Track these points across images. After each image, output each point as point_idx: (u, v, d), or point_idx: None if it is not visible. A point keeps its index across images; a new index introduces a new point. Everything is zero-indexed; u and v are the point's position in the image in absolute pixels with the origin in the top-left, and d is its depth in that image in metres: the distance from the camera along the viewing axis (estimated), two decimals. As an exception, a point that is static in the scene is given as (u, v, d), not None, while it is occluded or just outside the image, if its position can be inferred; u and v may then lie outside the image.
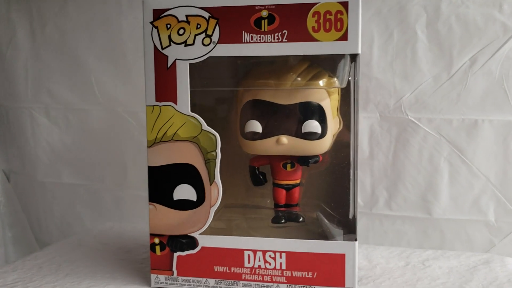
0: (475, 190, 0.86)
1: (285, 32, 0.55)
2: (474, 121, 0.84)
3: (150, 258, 0.61)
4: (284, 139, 0.59)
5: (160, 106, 0.58)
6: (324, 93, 0.59)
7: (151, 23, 0.57)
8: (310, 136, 0.59)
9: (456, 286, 0.60)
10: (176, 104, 0.58)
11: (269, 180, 0.65)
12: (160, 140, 0.59)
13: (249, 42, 0.55)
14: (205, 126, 0.58)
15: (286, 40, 0.55)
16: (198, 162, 0.58)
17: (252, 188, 0.65)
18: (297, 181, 0.63)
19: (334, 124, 0.60)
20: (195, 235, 0.59)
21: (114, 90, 1.01)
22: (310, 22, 0.54)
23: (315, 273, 0.57)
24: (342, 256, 0.57)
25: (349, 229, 0.59)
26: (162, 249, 0.61)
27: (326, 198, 0.65)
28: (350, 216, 0.62)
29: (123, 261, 0.69)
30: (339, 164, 0.63)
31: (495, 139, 0.84)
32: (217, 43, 0.56)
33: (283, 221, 0.63)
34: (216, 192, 0.58)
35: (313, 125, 0.59)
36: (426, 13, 0.83)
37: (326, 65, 0.60)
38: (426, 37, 0.84)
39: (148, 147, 0.59)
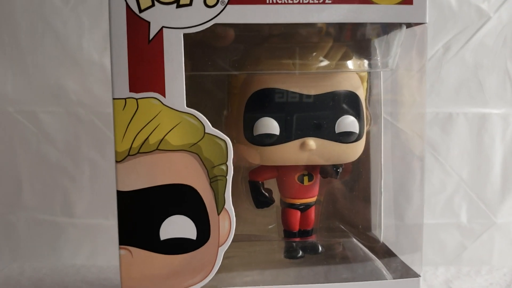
0: (447, 190, 0.75)
1: (328, -10, 0.37)
2: (449, 115, 0.73)
3: (122, 328, 0.39)
4: (312, 142, 0.41)
5: (137, 99, 0.36)
6: (357, 80, 0.43)
7: (121, -29, 0.35)
8: (346, 137, 0.42)
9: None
10: (164, 96, 0.37)
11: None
12: (138, 151, 0.37)
13: (277, 3, 0.36)
14: (209, 128, 0.37)
15: (330, 1, 0.37)
16: (199, 182, 0.38)
17: (244, 212, 0.46)
18: (314, 199, 0.46)
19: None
20: (195, 289, 0.39)
21: (2, 84, 0.74)
22: (364, -23, 0.37)
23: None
24: (403, 298, 0.40)
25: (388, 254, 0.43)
26: (143, 314, 0.39)
27: (348, 218, 0.48)
28: (381, 241, 0.46)
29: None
30: (364, 174, 0.47)
31: (469, 133, 0.74)
32: (227, 3, 0.36)
33: (300, 255, 0.44)
34: (227, 224, 0.38)
35: (349, 123, 0.41)
36: (399, -7, 0.70)
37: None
38: (398, 20, 0.70)
39: (118, 161, 0.37)
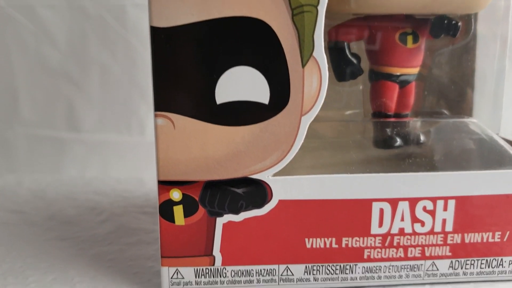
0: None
1: None
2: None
3: (159, 233, 0.26)
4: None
5: None
6: None
7: None
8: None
9: None
10: None
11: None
12: (183, -36, 0.23)
13: None
14: None
15: None
16: (274, 14, 0.24)
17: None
18: (416, 70, 0.33)
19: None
20: (263, 176, 0.26)
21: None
22: None
23: (507, 233, 0.27)
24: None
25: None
26: (188, 213, 0.26)
27: (447, 102, 0.35)
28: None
29: (68, 241, 0.33)
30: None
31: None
32: None
33: (398, 144, 0.31)
34: (315, 81, 0.25)
35: None
36: None
37: None
38: None
39: (152, -18, 0.24)
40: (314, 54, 0.25)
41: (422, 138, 0.33)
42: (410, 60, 0.32)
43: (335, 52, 0.32)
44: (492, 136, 0.32)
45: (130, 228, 0.36)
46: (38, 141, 0.64)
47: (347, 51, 0.32)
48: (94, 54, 0.63)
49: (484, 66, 0.37)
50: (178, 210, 0.27)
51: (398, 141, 0.32)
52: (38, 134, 0.65)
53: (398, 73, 0.32)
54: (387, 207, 0.27)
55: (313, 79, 0.25)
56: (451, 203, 0.27)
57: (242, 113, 0.26)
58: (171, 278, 0.28)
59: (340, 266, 0.28)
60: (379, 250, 0.28)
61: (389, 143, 0.32)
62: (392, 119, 0.33)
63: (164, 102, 0.25)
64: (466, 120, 0.34)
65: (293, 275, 0.28)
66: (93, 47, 0.63)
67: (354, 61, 0.32)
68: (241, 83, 0.25)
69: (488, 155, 0.31)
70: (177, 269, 0.28)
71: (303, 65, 0.25)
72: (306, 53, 0.25)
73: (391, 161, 0.32)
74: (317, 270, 0.28)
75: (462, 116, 0.34)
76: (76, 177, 0.49)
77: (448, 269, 0.28)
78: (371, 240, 0.28)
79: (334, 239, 0.27)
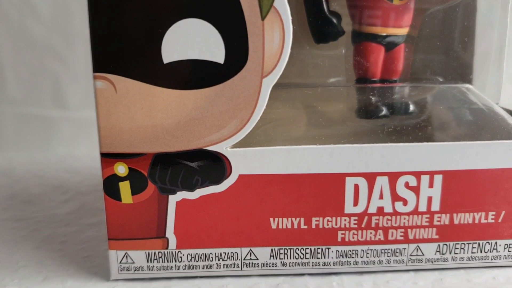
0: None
1: None
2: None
3: (105, 213, 0.23)
4: None
5: None
6: None
7: None
8: None
9: None
10: None
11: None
12: None
13: None
14: None
15: None
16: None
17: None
18: (405, 32, 0.29)
19: None
20: (220, 148, 0.22)
21: None
22: None
23: (502, 213, 0.24)
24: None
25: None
26: (136, 190, 0.23)
27: (441, 68, 0.31)
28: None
29: (22, 222, 0.30)
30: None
31: None
32: None
33: (383, 113, 0.28)
34: (277, 36, 0.21)
35: None
36: None
37: None
38: None
39: None
40: (275, 4, 0.22)
41: (411, 107, 0.29)
42: (397, 19, 0.28)
43: (312, 10, 0.28)
44: (487, 103, 0.28)
45: (93, 208, 0.33)
46: (24, 119, 0.62)
47: (325, 9, 0.28)
48: (78, 27, 0.60)
49: (485, 28, 0.32)
50: (125, 187, 0.23)
51: (384, 111, 0.28)
52: (24, 112, 0.62)
53: (383, 34, 0.28)
54: (363, 183, 0.24)
55: (275, 34, 0.22)
56: (438, 179, 0.24)
57: (194, 75, 0.22)
58: (120, 262, 0.25)
59: (311, 249, 0.24)
60: (355, 232, 0.24)
61: (373, 112, 0.28)
62: (377, 85, 0.29)
63: (103, 61, 0.22)
64: (460, 86, 0.30)
65: (257, 259, 0.25)
66: (78, 19, 0.60)
67: (334, 20, 0.28)
68: (192, 39, 0.22)
69: (481, 123, 0.27)
70: (126, 253, 0.24)
71: (263, 18, 0.22)
72: (265, 2, 0.21)
73: (375, 132, 0.28)
74: (284, 254, 0.24)
75: (457, 82, 0.30)
76: (50, 155, 0.46)
77: (435, 253, 0.25)
78: (345, 220, 0.24)
79: (302, 219, 0.24)
